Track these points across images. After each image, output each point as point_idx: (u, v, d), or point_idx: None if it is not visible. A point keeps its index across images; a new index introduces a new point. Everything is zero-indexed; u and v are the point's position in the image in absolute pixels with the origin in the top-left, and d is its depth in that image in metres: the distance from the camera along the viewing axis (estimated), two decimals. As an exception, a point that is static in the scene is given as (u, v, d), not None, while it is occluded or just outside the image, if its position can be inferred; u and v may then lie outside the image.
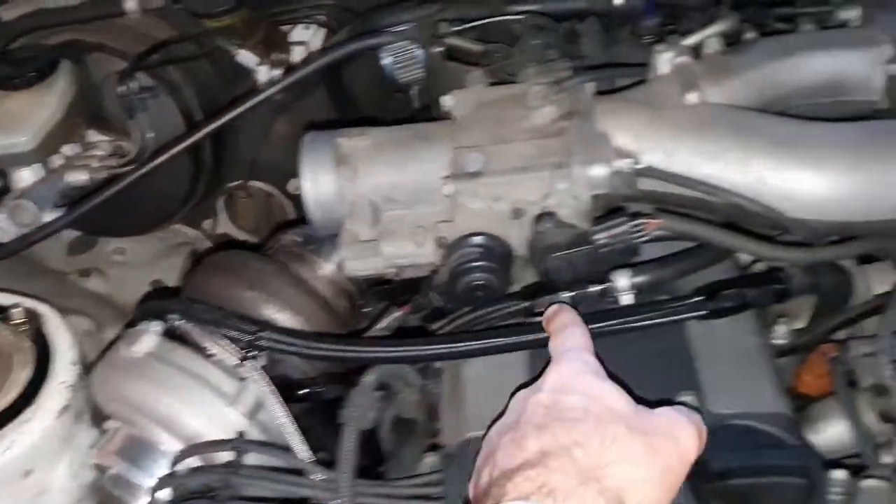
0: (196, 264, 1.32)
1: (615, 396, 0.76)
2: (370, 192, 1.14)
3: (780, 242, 1.03)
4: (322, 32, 1.78)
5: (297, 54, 1.75)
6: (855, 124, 1.04)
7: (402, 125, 1.18)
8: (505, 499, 0.67)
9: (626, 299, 1.01)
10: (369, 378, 1.01)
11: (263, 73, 1.65)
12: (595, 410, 0.74)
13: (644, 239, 1.01)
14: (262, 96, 1.40)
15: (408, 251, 1.13)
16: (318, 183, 1.15)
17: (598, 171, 1.04)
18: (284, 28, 1.78)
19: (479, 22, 1.34)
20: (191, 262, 1.87)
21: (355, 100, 1.74)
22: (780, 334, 1.10)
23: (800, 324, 1.16)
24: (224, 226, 1.99)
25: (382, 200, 1.15)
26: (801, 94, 1.17)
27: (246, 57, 1.65)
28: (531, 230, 1.04)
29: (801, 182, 1.00)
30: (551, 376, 0.81)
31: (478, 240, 1.06)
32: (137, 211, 1.77)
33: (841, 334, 1.13)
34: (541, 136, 1.10)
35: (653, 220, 1.00)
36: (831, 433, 1.06)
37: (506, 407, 0.81)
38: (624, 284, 0.99)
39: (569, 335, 0.89)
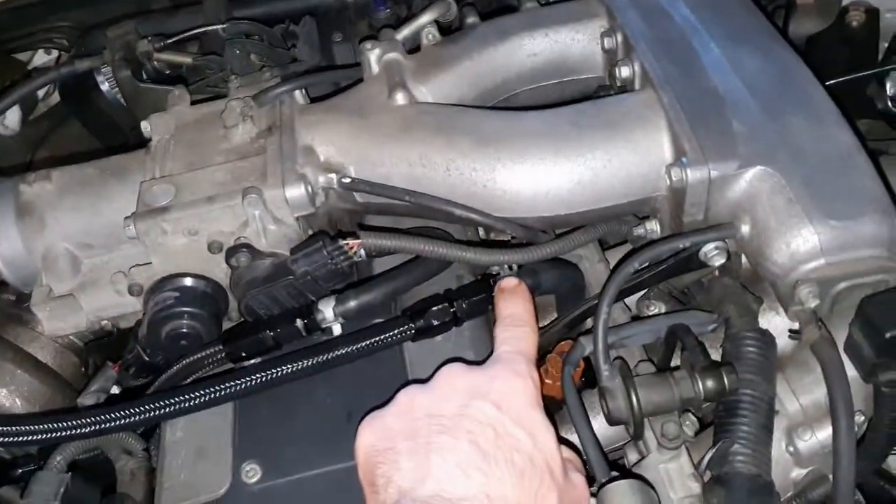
0: None
1: (555, 452, 0.73)
2: (62, 241, 1.03)
3: (494, 246, 0.96)
4: (65, 56, 1.64)
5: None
6: (562, 110, 0.97)
7: (94, 161, 1.06)
8: None
9: (336, 329, 0.92)
10: (55, 459, 0.90)
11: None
12: (539, 465, 0.71)
13: (349, 261, 0.92)
14: None
15: (110, 301, 1.02)
16: (0, 240, 1.02)
17: (295, 191, 0.95)
18: (23, 56, 1.63)
19: (178, 37, 1.22)
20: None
21: (111, 123, 1.61)
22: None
23: (548, 321, 1.10)
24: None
25: (78, 248, 1.04)
26: (522, 79, 1.10)
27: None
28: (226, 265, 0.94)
29: (507, 179, 0.93)
30: (498, 384, 0.74)
31: (176, 282, 0.96)
32: None
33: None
34: (238, 157, 1.00)
35: (353, 241, 0.91)
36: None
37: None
38: (329, 315, 0.90)
39: (518, 336, 0.82)
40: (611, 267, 1.09)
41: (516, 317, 0.85)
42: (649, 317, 0.99)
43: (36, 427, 0.86)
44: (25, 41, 1.61)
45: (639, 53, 1.00)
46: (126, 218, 0.95)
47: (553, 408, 1.03)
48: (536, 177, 0.93)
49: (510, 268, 0.95)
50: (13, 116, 1.47)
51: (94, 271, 1.03)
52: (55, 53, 1.65)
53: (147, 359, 0.99)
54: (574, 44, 1.09)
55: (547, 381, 0.99)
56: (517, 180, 0.93)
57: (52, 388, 1.09)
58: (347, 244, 0.92)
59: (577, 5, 1.12)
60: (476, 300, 0.91)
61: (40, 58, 1.66)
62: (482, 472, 0.67)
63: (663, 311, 1.02)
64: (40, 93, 1.55)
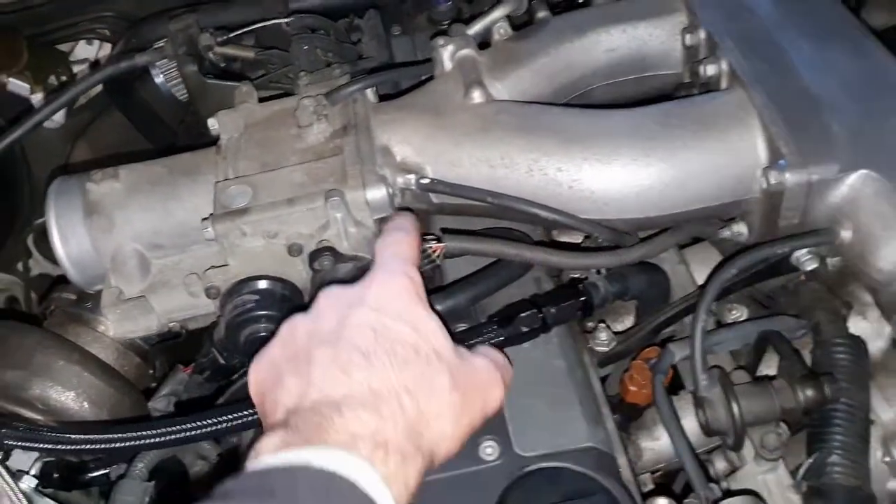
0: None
1: (441, 337, 0.71)
2: (132, 242, 1.00)
3: (580, 249, 0.94)
4: (108, 47, 1.61)
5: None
6: (649, 110, 0.95)
7: (163, 158, 1.04)
8: (331, 439, 0.61)
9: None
10: (137, 467, 0.88)
11: (38, 99, 1.48)
12: (424, 351, 0.69)
13: (432, 265, 0.90)
14: (28, 125, 1.20)
15: (182, 303, 0.99)
16: (68, 240, 1.00)
17: (376, 193, 0.92)
18: (64, 47, 1.60)
19: (242, 31, 1.19)
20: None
21: (156, 117, 1.58)
22: (603, 340, 1.01)
23: (627, 324, 1.08)
24: (40, 265, 1.81)
25: (148, 248, 1.01)
26: (599, 75, 1.07)
27: (17, 85, 1.47)
28: (309, 268, 0.92)
29: (594, 180, 0.91)
30: (374, 288, 0.73)
31: (255, 285, 0.93)
32: None
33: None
34: (314, 157, 0.97)
35: (436, 244, 0.89)
36: (667, 441, 0.98)
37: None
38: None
39: (396, 240, 0.80)
40: (691, 269, 1.07)
41: (396, 225, 0.84)
42: (737, 323, 0.97)
43: (119, 435, 0.84)
44: (68, 32, 1.58)
45: (725, 51, 0.97)
46: (204, 219, 0.93)
47: (633, 414, 1.02)
48: (626, 178, 0.91)
49: (598, 272, 0.93)
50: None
51: (164, 272, 1.01)
52: (97, 44, 1.62)
53: (223, 362, 0.96)
54: (652, 39, 1.07)
55: (631, 387, 0.97)
56: (605, 181, 0.91)
57: (119, 391, 1.06)
58: (431, 248, 0.89)
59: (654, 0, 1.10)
60: (565, 306, 0.89)
61: (82, 49, 1.62)
62: (362, 368, 0.66)
63: (745, 315, 1.00)
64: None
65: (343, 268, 0.91)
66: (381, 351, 0.67)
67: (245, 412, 0.84)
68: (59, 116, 1.45)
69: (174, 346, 1.06)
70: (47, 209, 1.00)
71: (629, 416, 1.01)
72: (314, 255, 0.90)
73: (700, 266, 1.11)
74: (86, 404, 1.03)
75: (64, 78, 1.52)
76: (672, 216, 0.93)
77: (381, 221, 0.95)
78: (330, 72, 1.07)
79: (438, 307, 0.87)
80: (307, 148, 0.99)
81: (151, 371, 1.06)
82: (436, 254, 0.90)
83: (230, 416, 0.84)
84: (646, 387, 0.96)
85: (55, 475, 1.01)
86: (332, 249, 0.91)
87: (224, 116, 1.04)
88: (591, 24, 1.07)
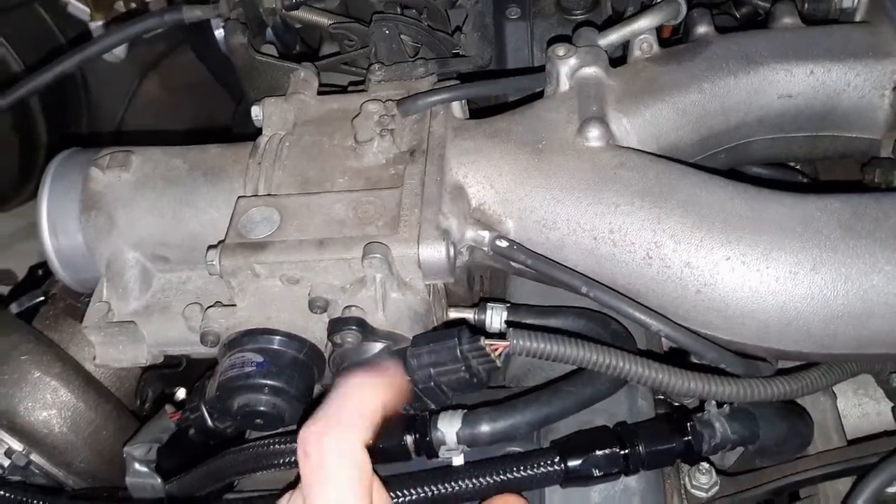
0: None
1: None
2: (133, 249, 0.81)
3: (700, 368, 0.68)
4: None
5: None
6: (832, 202, 0.66)
7: (185, 150, 0.83)
8: None
9: (457, 461, 0.67)
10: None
11: (97, 26, 1.30)
12: None
13: (489, 367, 0.67)
14: (87, 52, 1.01)
15: (179, 336, 0.79)
16: (58, 232, 0.81)
17: (433, 252, 0.69)
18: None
19: (316, -7, 0.95)
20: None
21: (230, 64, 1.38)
22: (703, 484, 0.76)
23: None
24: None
25: (151, 260, 0.81)
26: (764, 127, 0.80)
27: (77, 8, 1.29)
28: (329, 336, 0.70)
29: (734, 289, 0.65)
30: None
31: (263, 341, 0.72)
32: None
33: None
34: (365, 185, 0.75)
35: (499, 343, 0.65)
36: None
37: None
38: (450, 438, 0.65)
39: (332, 472, 0.55)
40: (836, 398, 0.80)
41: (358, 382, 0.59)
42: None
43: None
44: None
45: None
46: (210, 248, 0.72)
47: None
48: (780, 296, 0.64)
49: (719, 405, 0.68)
50: (121, 45, 1.26)
51: (166, 291, 0.82)
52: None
53: (211, 424, 0.76)
54: (848, 90, 0.78)
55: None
56: (748, 294, 0.65)
57: (102, 415, 0.89)
58: (491, 345, 0.66)
59: (860, 33, 0.80)
60: (661, 450, 0.64)
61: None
62: None
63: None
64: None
65: (370, 348, 0.69)
66: None
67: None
68: (120, 51, 1.27)
69: (170, 376, 0.87)
70: (41, 191, 0.82)
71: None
72: (336, 325, 0.68)
73: (848, 392, 0.85)
74: (56, 428, 0.87)
75: (133, 5, 1.33)
76: (834, 356, 0.66)
77: (432, 289, 0.72)
78: (411, 69, 0.83)
79: (488, 428, 0.65)
80: (361, 170, 0.76)
81: (140, 401, 0.87)
82: (496, 352, 0.66)
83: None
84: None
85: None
86: (360, 322, 0.69)
87: (271, 106, 0.82)
88: (767, 56, 0.78)
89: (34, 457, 0.86)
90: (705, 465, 0.77)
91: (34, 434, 0.86)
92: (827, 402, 0.79)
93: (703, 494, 0.76)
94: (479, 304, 0.77)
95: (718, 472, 0.77)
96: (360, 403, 0.58)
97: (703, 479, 0.76)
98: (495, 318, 0.75)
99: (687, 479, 0.76)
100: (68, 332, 0.93)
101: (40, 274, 1.11)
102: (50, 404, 0.86)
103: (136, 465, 0.80)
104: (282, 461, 0.68)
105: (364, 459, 0.56)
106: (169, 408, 0.83)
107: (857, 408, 0.85)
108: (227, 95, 1.44)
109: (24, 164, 1.41)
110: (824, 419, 0.78)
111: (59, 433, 0.86)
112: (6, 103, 1.03)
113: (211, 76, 1.44)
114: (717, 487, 0.76)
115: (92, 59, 1.00)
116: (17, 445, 0.86)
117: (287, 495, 0.60)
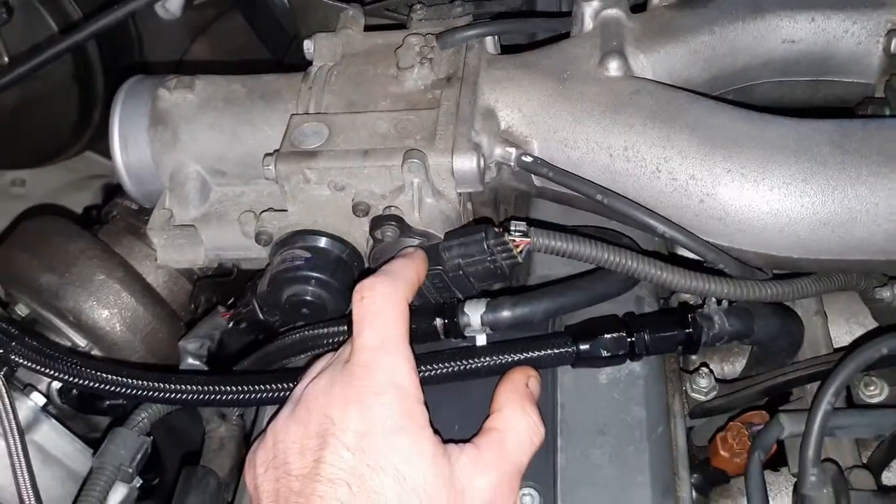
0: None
1: (428, 482, 0.60)
2: (194, 163, 0.90)
3: (702, 269, 0.76)
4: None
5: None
6: (823, 125, 0.74)
7: (244, 76, 0.92)
8: None
9: (481, 340, 0.75)
10: (138, 418, 0.79)
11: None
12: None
13: (512, 261, 0.75)
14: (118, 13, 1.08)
15: (234, 241, 0.89)
16: (129, 147, 0.90)
17: (465, 162, 0.77)
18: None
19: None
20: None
21: (278, 25, 1.47)
22: (702, 387, 0.84)
23: (736, 369, 0.90)
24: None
25: (210, 173, 0.91)
26: (769, 69, 0.88)
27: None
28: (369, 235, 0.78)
29: (733, 200, 0.73)
30: (355, 415, 0.61)
31: (311, 240, 0.81)
32: (25, 140, 1.56)
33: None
34: (406, 106, 0.83)
35: (522, 239, 0.73)
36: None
37: None
38: (475, 321, 0.73)
39: (381, 309, 0.65)
40: (828, 321, 0.88)
41: (389, 275, 0.69)
42: (872, 406, 0.78)
43: (121, 380, 0.74)
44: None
45: (940, 68, 0.76)
46: (267, 155, 0.81)
47: (717, 478, 0.85)
48: (773, 204, 0.72)
49: (718, 302, 0.75)
50: (176, 0, 1.34)
51: (223, 202, 0.90)
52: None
53: (262, 317, 0.85)
54: (846, 37, 0.85)
55: (723, 452, 0.80)
56: (746, 203, 0.73)
57: (157, 318, 0.97)
58: (514, 241, 0.74)
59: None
60: (664, 336, 0.72)
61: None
62: None
63: (885, 396, 0.81)
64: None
65: (407, 243, 0.77)
66: (357, 496, 0.59)
67: (271, 386, 0.73)
68: (175, 7, 1.35)
69: (223, 284, 0.96)
70: (113, 109, 0.91)
71: (712, 480, 0.85)
72: (377, 222, 0.77)
73: (840, 320, 0.92)
74: (118, 326, 0.95)
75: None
76: (821, 262, 0.74)
77: (465, 195, 0.81)
78: (450, 9, 0.92)
79: (508, 313, 0.73)
80: (402, 94, 0.85)
81: (193, 306, 0.96)
82: (518, 249, 0.74)
83: (253, 388, 0.74)
84: (740, 456, 0.79)
85: (73, 392, 0.94)
86: (398, 220, 0.77)
87: (322, 40, 0.91)
88: (773, 4, 0.86)
89: (95, 352, 0.96)
90: (705, 369, 0.85)
91: (97, 331, 0.95)
92: (818, 320, 0.87)
93: (702, 398, 0.84)
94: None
95: (717, 379, 0.85)
96: (404, 269, 0.70)
97: (702, 383, 0.84)
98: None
99: (688, 384, 0.84)
100: (128, 246, 1.01)
101: (94, 214, 1.20)
102: (112, 305, 0.95)
103: (190, 359, 0.89)
104: (325, 342, 0.77)
105: (405, 309, 0.66)
106: (221, 308, 0.92)
107: (848, 335, 0.92)
108: (274, 62, 1.53)
109: (81, 116, 1.50)
110: (815, 336, 0.86)
111: (119, 332, 0.95)
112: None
113: (259, 42, 1.53)
114: (714, 392, 0.84)
115: (151, 3, 1.08)
116: (81, 341, 0.96)
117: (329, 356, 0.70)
